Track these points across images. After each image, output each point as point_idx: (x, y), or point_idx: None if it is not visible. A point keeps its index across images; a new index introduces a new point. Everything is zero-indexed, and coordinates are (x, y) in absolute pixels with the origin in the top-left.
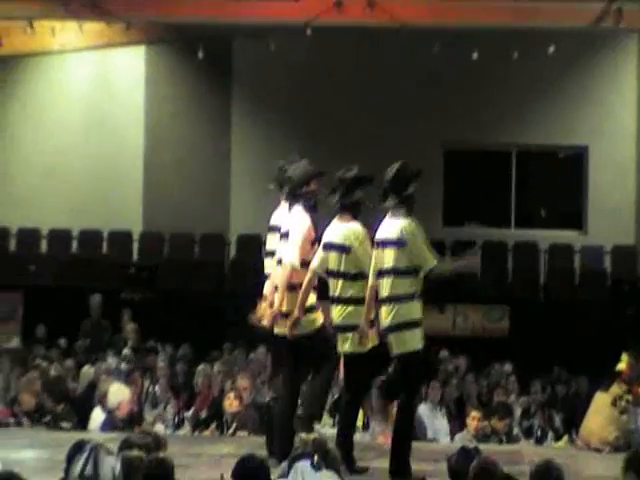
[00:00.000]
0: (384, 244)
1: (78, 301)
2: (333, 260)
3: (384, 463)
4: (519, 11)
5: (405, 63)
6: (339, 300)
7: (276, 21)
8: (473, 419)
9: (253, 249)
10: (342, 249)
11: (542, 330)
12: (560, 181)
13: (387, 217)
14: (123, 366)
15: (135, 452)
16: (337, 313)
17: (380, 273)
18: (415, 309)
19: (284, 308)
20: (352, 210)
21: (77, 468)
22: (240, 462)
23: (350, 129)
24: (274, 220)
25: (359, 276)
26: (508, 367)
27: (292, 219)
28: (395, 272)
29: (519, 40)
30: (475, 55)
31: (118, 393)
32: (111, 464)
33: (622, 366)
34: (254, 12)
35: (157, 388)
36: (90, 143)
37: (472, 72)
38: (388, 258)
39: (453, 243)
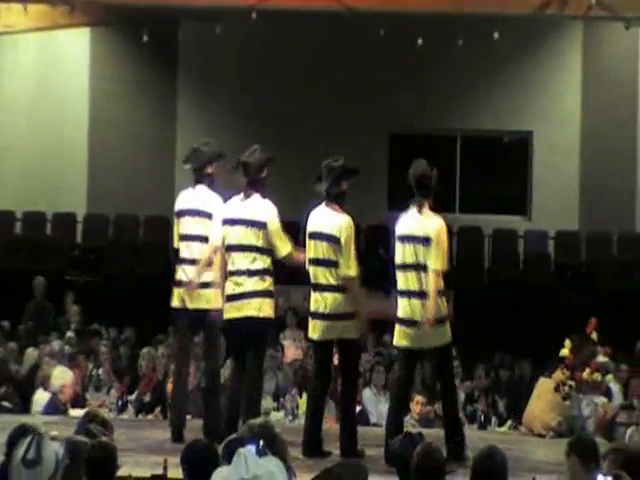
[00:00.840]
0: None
1: (22, 283)
2: (324, 249)
3: (330, 448)
4: None
5: (351, 48)
6: (333, 288)
7: (222, 4)
8: (417, 404)
9: None
10: (334, 239)
11: (486, 315)
12: (504, 166)
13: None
14: (67, 349)
15: (78, 436)
16: (334, 301)
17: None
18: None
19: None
20: (339, 199)
21: (20, 452)
22: (188, 447)
23: (296, 113)
24: (190, 204)
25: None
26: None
27: (259, 206)
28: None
29: (464, 26)
30: (420, 41)
31: (61, 376)
32: (54, 448)
33: (565, 352)
34: None
35: (100, 371)
36: (34, 125)
37: (417, 57)
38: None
39: None
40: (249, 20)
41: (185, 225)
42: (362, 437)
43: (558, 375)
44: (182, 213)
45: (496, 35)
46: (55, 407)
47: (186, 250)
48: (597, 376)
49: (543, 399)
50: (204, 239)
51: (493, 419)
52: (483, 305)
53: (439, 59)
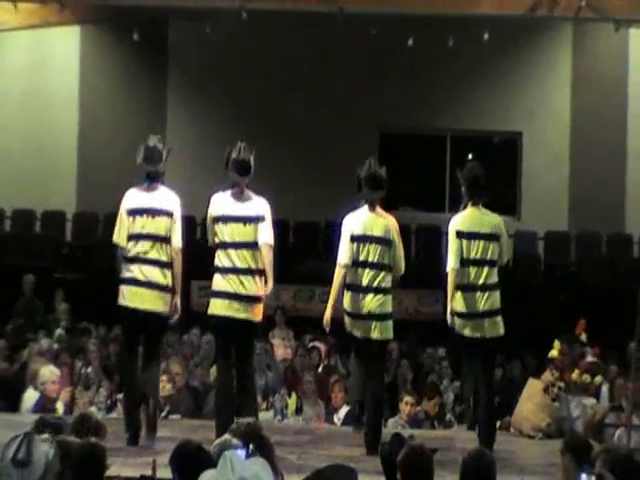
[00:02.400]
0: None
1: (11, 280)
2: (375, 251)
3: (320, 449)
4: None
5: (342, 47)
6: (377, 290)
7: (211, 4)
8: (406, 404)
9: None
10: (385, 242)
11: None
12: (494, 166)
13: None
14: (55, 347)
15: (69, 437)
16: (375, 302)
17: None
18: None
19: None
20: (379, 204)
21: (10, 453)
22: (178, 448)
23: (287, 112)
24: (152, 203)
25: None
26: (441, 352)
27: (257, 204)
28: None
29: (454, 26)
30: (411, 41)
31: (50, 375)
32: (45, 449)
33: (554, 353)
34: None
35: (90, 370)
36: (24, 123)
37: (408, 57)
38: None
39: None
40: (239, 19)
41: (147, 224)
42: (352, 437)
43: (547, 376)
44: (142, 212)
45: (486, 36)
46: (44, 406)
47: (148, 248)
48: (586, 377)
49: (532, 400)
50: (167, 239)
51: None
52: None
53: (430, 59)
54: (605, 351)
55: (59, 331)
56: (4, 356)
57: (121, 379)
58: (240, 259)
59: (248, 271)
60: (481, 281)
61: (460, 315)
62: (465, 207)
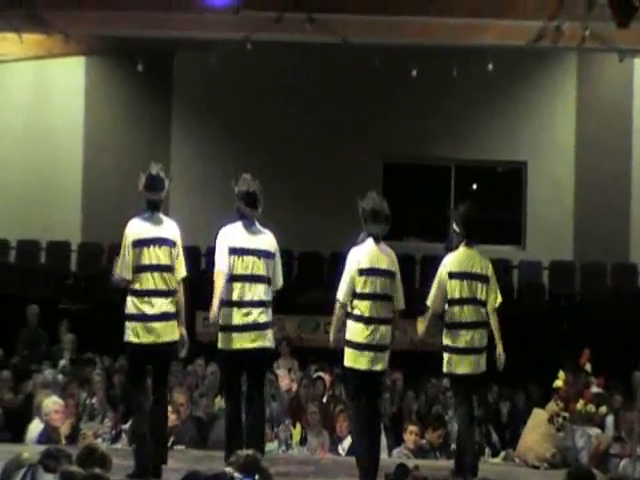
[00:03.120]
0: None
1: (15, 311)
2: (383, 284)
3: (324, 479)
4: (458, 29)
5: (345, 78)
6: (384, 321)
7: (216, 35)
8: (410, 434)
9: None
10: (391, 274)
11: None
12: (499, 196)
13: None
14: (60, 378)
15: (73, 467)
16: (385, 333)
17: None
18: None
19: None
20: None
21: None
22: (186, 478)
23: (290, 143)
24: (157, 233)
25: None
26: (445, 382)
27: (268, 238)
28: None
29: (458, 56)
30: (414, 72)
31: (52, 405)
32: None
33: (559, 383)
34: (194, 26)
35: (94, 400)
36: (28, 153)
37: (411, 87)
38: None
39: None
40: (244, 51)
41: (154, 254)
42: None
43: (552, 406)
44: (148, 242)
45: (490, 66)
46: (48, 437)
47: (158, 280)
48: (591, 407)
49: (537, 430)
50: (172, 269)
51: (487, 449)
52: None
53: (433, 89)
54: (609, 381)
55: (63, 362)
56: (9, 387)
57: (130, 409)
58: (253, 291)
59: (260, 303)
60: (471, 319)
61: (451, 350)
62: (457, 247)
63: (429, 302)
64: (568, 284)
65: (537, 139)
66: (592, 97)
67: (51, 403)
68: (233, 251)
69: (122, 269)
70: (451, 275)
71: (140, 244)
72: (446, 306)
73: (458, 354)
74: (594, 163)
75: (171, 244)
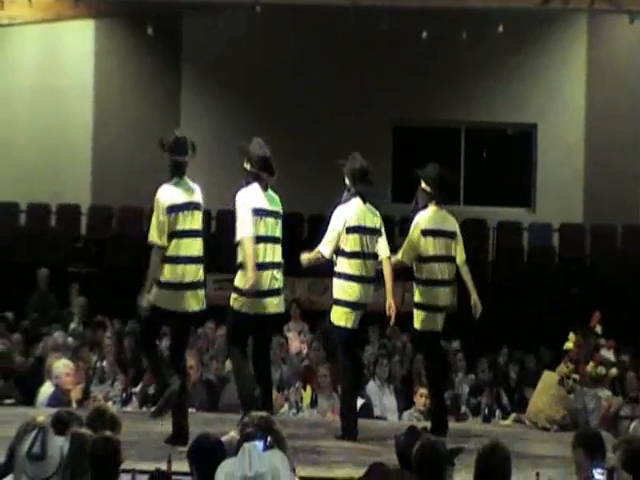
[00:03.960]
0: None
1: (25, 275)
2: (370, 242)
3: (334, 441)
4: None
5: (355, 41)
6: (372, 280)
7: None
8: (421, 396)
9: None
10: (377, 232)
11: (490, 308)
12: (509, 158)
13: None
14: (70, 341)
15: (83, 430)
16: (370, 291)
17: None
18: None
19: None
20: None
21: (25, 447)
22: (195, 442)
23: (300, 106)
24: (189, 198)
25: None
26: (456, 345)
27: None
28: None
29: (468, 19)
30: (424, 34)
31: (63, 368)
32: (59, 443)
33: (570, 345)
34: None
35: (105, 363)
36: (38, 117)
37: (422, 50)
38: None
39: (402, 219)
40: (253, 13)
41: (188, 220)
42: (366, 430)
43: (562, 368)
44: (183, 207)
45: (500, 28)
46: (59, 399)
47: (191, 245)
48: (601, 369)
49: (547, 392)
50: (202, 233)
51: (497, 412)
52: (486, 298)
53: (443, 52)
54: (619, 343)
55: (73, 325)
56: (19, 350)
57: (149, 362)
58: (275, 253)
59: (280, 265)
60: (448, 277)
61: (421, 307)
62: (426, 206)
63: (400, 255)
64: (578, 246)
65: (547, 102)
66: (602, 60)
67: (62, 366)
68: (255, 212)
69: (156, 236)
70: (424, 232)
71: (175, 210)
72: (419, 264)
73: (434, 312)
74: (604, 125)
75: (201, 208)
